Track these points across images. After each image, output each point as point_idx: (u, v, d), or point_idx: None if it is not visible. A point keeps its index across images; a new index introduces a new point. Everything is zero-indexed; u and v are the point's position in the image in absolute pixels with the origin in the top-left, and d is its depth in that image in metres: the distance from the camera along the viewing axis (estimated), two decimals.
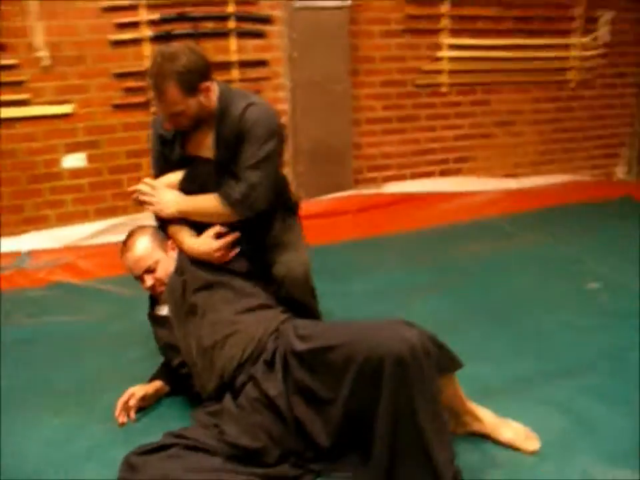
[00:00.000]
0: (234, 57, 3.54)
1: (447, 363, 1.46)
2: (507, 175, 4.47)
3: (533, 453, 1.58)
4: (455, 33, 4.00)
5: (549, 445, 1.60)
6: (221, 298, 1.75)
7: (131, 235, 1.91)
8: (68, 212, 3.47)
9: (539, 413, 1.75)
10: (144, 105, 3.46)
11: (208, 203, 1.84)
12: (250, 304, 1.75)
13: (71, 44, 3.25)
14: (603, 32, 4.30)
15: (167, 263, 1.85)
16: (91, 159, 3.45)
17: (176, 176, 1.93)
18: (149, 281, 1.83)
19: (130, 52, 3.36)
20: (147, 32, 3.32)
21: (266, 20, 3.56)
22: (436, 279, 2.89)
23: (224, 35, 3.50)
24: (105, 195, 3.54)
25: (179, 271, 1.83)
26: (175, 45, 1.77)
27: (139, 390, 1.82)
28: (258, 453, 1.47)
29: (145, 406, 1.85)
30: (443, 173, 4.36)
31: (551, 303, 2.57)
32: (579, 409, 1.77)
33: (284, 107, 3.77)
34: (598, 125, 4.65)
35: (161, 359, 1.99)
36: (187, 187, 1.88)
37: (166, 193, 1.89)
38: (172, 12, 3.35)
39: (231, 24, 3.49)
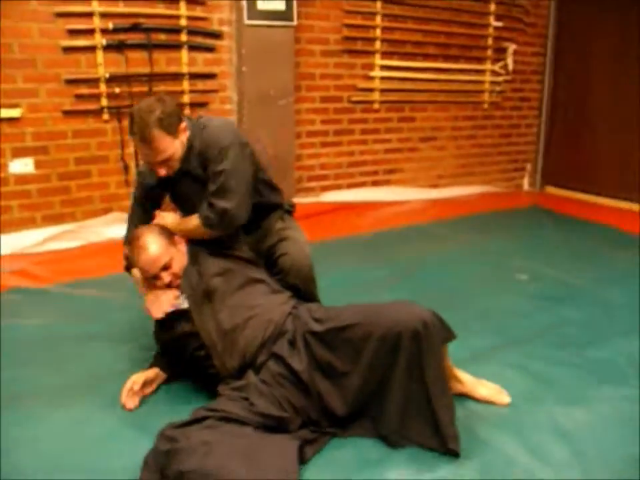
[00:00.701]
0: (185, 69, 3.66)
1: (445, 334, 1.70)
2: (431, 186, 4.90)
3: (506, 406, 1.87)
4: (386, 55, 4.38)
5: (517, 398, 1.90)
6: (236, 283, 1.87)
7: (139, 235, 1.90)
8: (14, 218, 3.38)
9: (502, 375, 2.04)
10: (96, 112, 3.48)
11: (194, 225, 1.96)
12: (263, 289, 1.90)
13: (21, 46, 3.21)
14: (509, 61, 4.89)
15: (180, 257, 1.92)
16: (39, 164, 3.40)
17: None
18: (166, 277, 1.87)
19: (82, 59, 3.38)
20: (101, 40, 3.36)
21: (216, 35, 3.72)
22: (386, 276, 3.15)
23: (176, 47, 3.61)
24: (53, 201, 3.49)
25: (193, 260, 1.93)
26: (147, 100, 1.88)
27: (140, 376, 1.90)
28: (284, 422, 1.63)
29: (147, 393, 1.93)
30: (375, 183, 4.69)
31: (490, 291, 2.93)
32: (534, 370, 2.09)
33: (231, 119, 3.92)
34: (507, 142, 5.24)
35: (151, 350, 2.08)
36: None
37: (167, 217, 2.06)
38: (126, 22, 3.42)
39: (183, 37, 3.61)
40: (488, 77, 4.89)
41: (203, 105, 3.79)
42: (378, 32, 4.29)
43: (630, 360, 2.20)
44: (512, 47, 4.86)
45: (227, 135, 1.93)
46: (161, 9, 3.52)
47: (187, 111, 3.73)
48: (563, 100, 5.15)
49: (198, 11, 3.64)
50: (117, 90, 3.46)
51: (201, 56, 3.72)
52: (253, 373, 1.72)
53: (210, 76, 3.77)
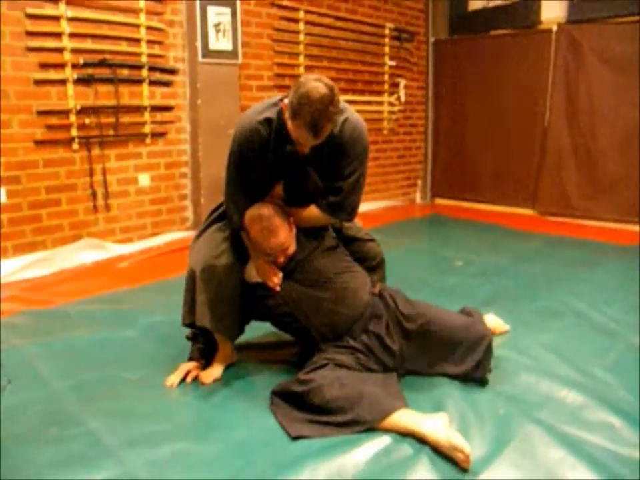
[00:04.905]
0: (146, 102, 3.95)
1: None
2: None
3: (507, 332, 2.60)
4: None
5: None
6: (329, 266, 2.17)
7: (268, 217, 2.02)
8: None
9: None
10: (65, 142, 3.62)
11: (315, 216, 2.12)
12: (349, 270, 2.22)
13: None
14: (402, 93, 5.82)
15: (293, 240, 2.13)
16: (10, 194, 3.45)
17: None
18: (281, 258, 2.09)
19: (53, 91, 3.53)
20: (72, 74, 3.55)
21: (172, 71, 4.07)
22: None
23: (138, 82, 3.89)
24: (24, 230, 3.54)
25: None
26: (317, 82, 1.80)
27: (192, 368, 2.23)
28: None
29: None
30: None
31: (441, 276, 3.61)
32: (507, 317, 2.75)
33: (185, 147, 4.27)
34: (402, 162, 6.15)
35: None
36: (288, 188, 2.16)
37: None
38: (94, 58, 3.64)
39: (144, 73, 3.91)
40: (386, 107, 5.77)
41: (162, 134, 4.09)
42: (301, 69, 4.93)
43: (558, 303, 3.05)
44: (403, 82, 5.81)
45: (365, 133, 2.06)
46: (124, 47, 3.79)
47: (148, 140, 4.01)
48: (443, 125, 6.22)
49: (156, 49, 3.97)
50: (87, 121, 3.65)
51: (159, 90, 4.03)
52: (350, 338, 2.11)
53: (167, 108, 4.10)
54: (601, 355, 2.40)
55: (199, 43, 4.02)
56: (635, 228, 4.89)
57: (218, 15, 4.10)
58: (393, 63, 5.69)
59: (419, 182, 6.38)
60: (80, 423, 1.89)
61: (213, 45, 4.10)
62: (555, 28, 5.22)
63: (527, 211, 5.68)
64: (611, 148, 5.09)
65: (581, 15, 5.05)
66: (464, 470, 1.62)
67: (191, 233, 4.32)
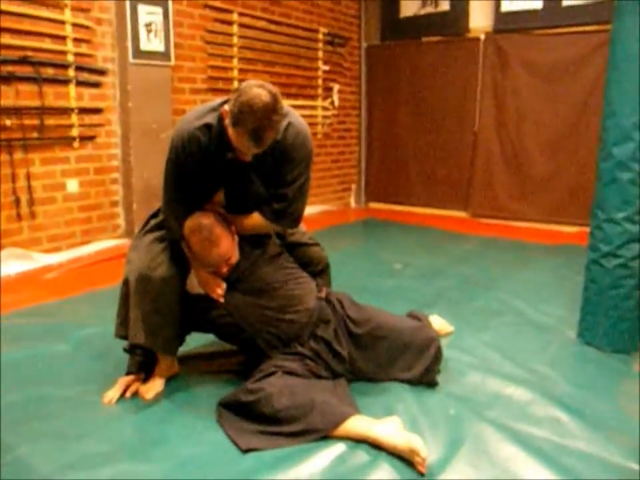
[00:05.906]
0: (73, 104, 3.74)
1: None
2: None
3: (451, 333, 2.63)
4: None
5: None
6: (274, 274, 2.11)
7: (210, 226, 1.95)
8: None
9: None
10: None
11: (258, 223, 2.05)
12: (295, 277, 2.17)
13: None
14: (335, 98, 5.85)
15: (236, 249, 2.06)
16: None
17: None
18: (224, 268, 2.03)
19: None
20: None
21: (101, 72, 3.88)
22: None
23: (64, 82, 3.68)
24: None
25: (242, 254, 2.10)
26: (261, 90, 1.73)
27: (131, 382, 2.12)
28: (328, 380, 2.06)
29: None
30: None
31: (380, 279, 3.63)
32: (449, 317, 2.80)
33: (115, 151, 4.08)
34: (336, 167, 6.17)
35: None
36: (229, 195, 2.09)
37: None
38: (13, 54, 3.41)
39: (70, 72, 3.70)
40: (320, 112, 5.77)
41: (91, 138, 3.89)
42: (235, 73, 4.84)
43: (497, 302, 3.14)
44: (336, 87, 5.84)
45: (309, 137, 2.02)
46: (48, 44, 3.58)
47: (76, 144, 3.80)
48: (377, 129, 6.30)
49: (84, 48, 3.77)
50: (8, 122, 3.41)
51: (87, 91, 3.84)
52: (298, 345, 2.06)
53: (96, 110, 3.90)
54: (541, 350, 2.48)
55: (129, 43, 3.86)
56: (562, 228, 5.14)
57: (149, 14, 3.95)
58: (327, 68, 5.72)
59: (354, 186, 6.43)
60: (8, 448, 1.73)
61: (144, 45, 3.95)
62: (482, 37, 5.41)
63: (461, 214, 5.84)
64: (537, 152, 5.33)
65: (507, 25, 5.27)
66: (421, 472, 1.61)
67: (123, 241, 4.14)
